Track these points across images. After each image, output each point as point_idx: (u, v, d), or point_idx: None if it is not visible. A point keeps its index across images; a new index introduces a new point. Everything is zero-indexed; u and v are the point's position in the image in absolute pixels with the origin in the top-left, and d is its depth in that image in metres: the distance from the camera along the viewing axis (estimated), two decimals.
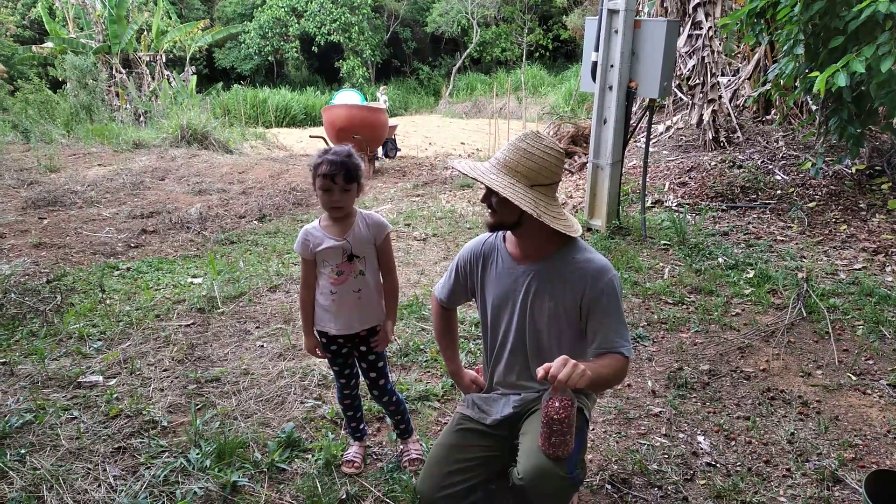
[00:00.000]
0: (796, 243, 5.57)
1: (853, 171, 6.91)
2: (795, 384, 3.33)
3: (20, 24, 24.23)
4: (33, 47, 19.99)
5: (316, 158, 2.29)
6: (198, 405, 3.09)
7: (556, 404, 1.89)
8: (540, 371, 1.85)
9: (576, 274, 2.13)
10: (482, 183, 2.07)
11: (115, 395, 3.17)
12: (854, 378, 3.36)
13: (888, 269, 4.89)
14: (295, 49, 28.26)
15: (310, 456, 2.71)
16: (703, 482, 2.56)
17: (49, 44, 18.12)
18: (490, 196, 2.10)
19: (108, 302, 4.45)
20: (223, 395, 3.23)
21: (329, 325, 2.44)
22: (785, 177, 7.21)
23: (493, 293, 2.31)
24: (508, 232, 2.31)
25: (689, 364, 3.55)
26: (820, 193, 6.67)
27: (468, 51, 28.61)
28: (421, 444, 2.74)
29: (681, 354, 3.67)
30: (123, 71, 17.74)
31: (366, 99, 13.62)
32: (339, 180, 2.24)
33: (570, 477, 2.08)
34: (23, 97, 14.86)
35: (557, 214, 2.07)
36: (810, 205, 6.41)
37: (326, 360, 2.63)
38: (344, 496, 2.42)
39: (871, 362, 3.53)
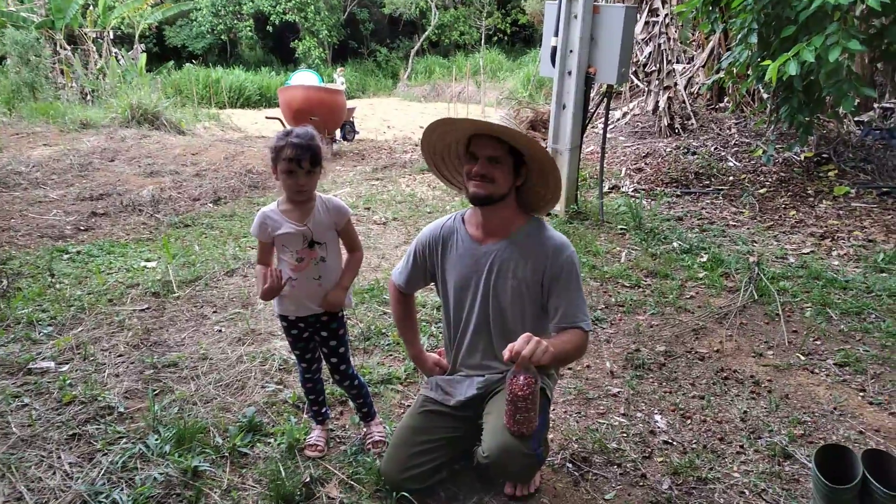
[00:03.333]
0: (748, 228, 5.73)
1: (802, 158, 7.15)
2: (747, 364, 3.44)
3: None
4: None
5: (277, 141, 2.22)
6: (155, 391, 3.03)
7: (521, 381, 1.92)
8: (506, 353, 1.88)
9: (537, 250, 2.18)
10: (514, 140, 2.08)
11: (68, 382, 3.08)
12: (803, 358, 3.50)
13: (834, 253, 5.08)
14: (249, 28, 27.59)
15: (272, 440, 2.68)
16: (661, 459, 2.63)
17: None
18: (494, 164, 2.09)
19: (57, 286, 4.30)
20: (181, 381, 3.16)
21: (288, 310, 2.41)
22: (737, 163, 7.41)
23: (454, 276, 2.32)
24: (468, 213, 2.32)
25: (645, 345, 3.63)
26: (770, 180, 6.88)
27: (426, 34, 28.39)
28: (384, 427, 2.74)
29: (638, 336, 3.75)
30: (68, 47, 17.01)
31: (323, 80, 13.40)
32: (304, 164, 2.19)
33: (535, 454, 2.12)
34: None
35: None
36: (761, 191, 6.60)
37: (287, 344, 2.60)
38: (307, 479, 2.40)
39: (818, 343, 3.67)
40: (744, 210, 6.20)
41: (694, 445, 2.73)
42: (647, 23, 8.95)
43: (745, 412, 2.98)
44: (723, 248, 5.17)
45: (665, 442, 2.76)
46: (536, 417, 2.02)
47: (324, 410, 2.71)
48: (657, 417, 2.94)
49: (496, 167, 2.10)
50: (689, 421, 2.92)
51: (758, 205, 6.24)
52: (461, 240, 2.31)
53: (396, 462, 2.29)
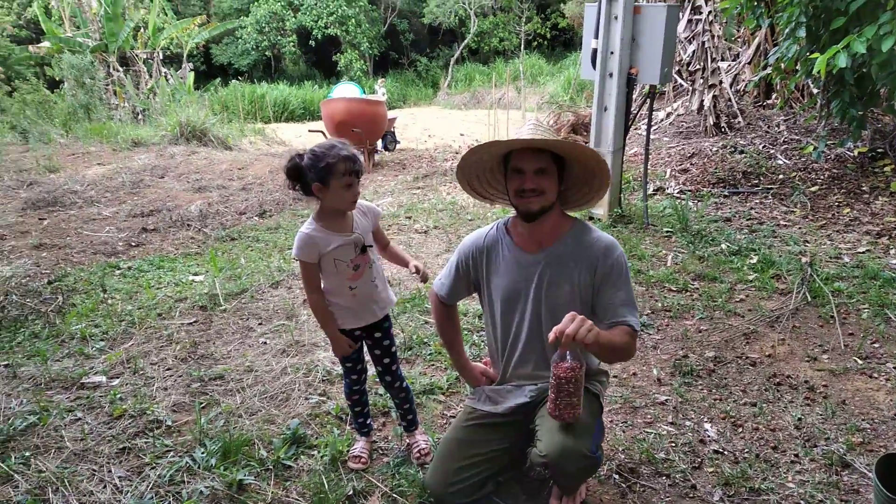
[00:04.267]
0: (799, 228, 5.53)
1: (855, 153, 6.87)
2: (801, 369, 3.31)
3: (16, 24, 24.15)
4: (30, 47, 19.92)
5: (324, 159, 2.17)
6: (202, 404, 3.08)
7: (565, 364, 1.90)
8: (551, 335, 1.85)
9: (587, 252, 2.14)
10: (557, 148, 2.07)
11: (118, 396, 3.16)
12: (860, 362, 3.34)
13: (892, 251, 4.86)
14: (292, 43, 28.14)
15: (315, 452, 2.70)
16: (711, 470, 2.55)
17: (45, 43, 18.04)
18: (542, 175, 2.06)
19: (109, 302, 4.44)
20: (227, 393, 3.21)
21: (352, 322, 2.42)
22: (787, 161, 7.17)
23: (501, 287, 2.27)
24: (511, 222, 2.28)
25: (694, 351, 3.53)
26: (822, 177, 6.64)
27: (466, 41, 28.46)
28: (427, 437, 2.73)
29: (686, 342, 3.65)
30: (121, 69, 17.65)
31: (364, 91, 13.55)
32: (361, 173, 2.25)
33: (594, 456, 2.09)
34: (20, 98, 14.82)
35: None
36: (813, 189, 6.38)
37: (332, 356, 2.60)
38: (351, 492, 2.41)
39: (876, 345, 3.51)
40: (795, 209, 5.99)
41: (746, 455, 2.64)
42: (689, 21, 8.76)
43: (799, 419, 2.86)
44: (773, 248, 5.00)
45: (715, 451, 2.67)
46: (580, 404, 1.98)
47: (368, 422, 2.72)
48: (707, 426, 2.85)
49: (544, 178, 2.07)
50: (740, 429, 2.82)
51: (809, 203, 6.02)
52: (507, 249, 2.27)
53: (443, 475, 2.27)
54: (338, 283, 2.35)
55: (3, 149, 10.80)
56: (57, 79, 17.18)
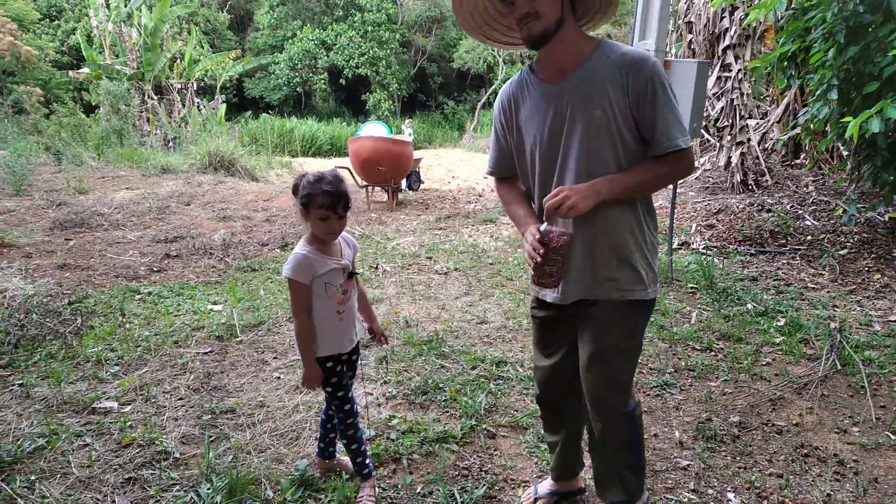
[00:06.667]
0: (828, 291, 5.41)
1: (886, 218, 6.76)
2: (830, 441, 3.18)
3: (59, 50, 24.99)
4: (70, 72, 20.57)
5: (310, 188, 2.27)
6: (211, 437, 3.03)
7: (553, 234, 1.95)
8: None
9: (615, 68, 1.93)
10: None
11: (128, 423, 3.12)
12: (893, 437, 3.21)
13: None
14: (323, 81, 28.76)
15: (323, 496, 2.62)
16: None
17: (85, 69, 18.63)
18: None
19: (127, 326, 4.44)
20: (237, 428, 3.16)
21: (338, 348, 2.46)
22: (815, 222, 7.08)
23: (531, 126, 2.09)
24: (535, 60, 2.13)
25: (718, 415, 3.42)
26: (852, 240, 6.52)
27: (493, 87, 28.89)
28: (374, 495, 2.60)
29: (709, 404, 3.54)
30: (155, 97, 18.13)
31: (391, 131, 13.72)
32: (339, 210, 2.28)
33: (627, 413, 2.18)
34: (57, 120, 15.21)
35: None
36: (842, 252, 6.26)
37: (330, 387, 2.51)
38: None
39: None
40: (823, 272, 5.88)
41: None
42: (719, 77, 8.79)
43: (828, 495, 2.73)
44: (801, 311, 4.89)
45: None
46: (560, 275, 2.01)
47: (367, 463, 2.66)
48: (730, 495, 2.73)
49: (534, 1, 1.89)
50: (765, 501, 2.70)
51: (838, 267, 5.90)
52: (533, 86, 2.08)
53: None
54: (326, 307, 2.39)
55: (36, 169, 11.05)
56: (93, 104, 17.66)
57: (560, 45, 1.97)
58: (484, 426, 3.20)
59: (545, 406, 2.48)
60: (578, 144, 1.97)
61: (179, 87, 19.25)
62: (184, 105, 19.00)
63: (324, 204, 2.25)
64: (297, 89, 29.47)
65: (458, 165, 17.78)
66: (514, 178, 2.29)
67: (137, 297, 5.13)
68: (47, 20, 26.61)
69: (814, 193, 7.82)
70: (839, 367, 3.93)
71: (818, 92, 5.95)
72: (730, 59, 8.58)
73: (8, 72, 20.74)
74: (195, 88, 19.81)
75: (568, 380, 2.32)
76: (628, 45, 2.05)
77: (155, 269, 6.02)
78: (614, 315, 2.07)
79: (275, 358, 4.04)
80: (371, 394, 3.54)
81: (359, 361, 2.67)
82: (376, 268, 6.20)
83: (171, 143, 16.59)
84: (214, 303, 5.04)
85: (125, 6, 18.87)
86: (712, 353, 4.20)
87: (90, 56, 18.32)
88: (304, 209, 2.30)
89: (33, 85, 20.29)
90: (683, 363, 4.04)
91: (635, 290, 2.06)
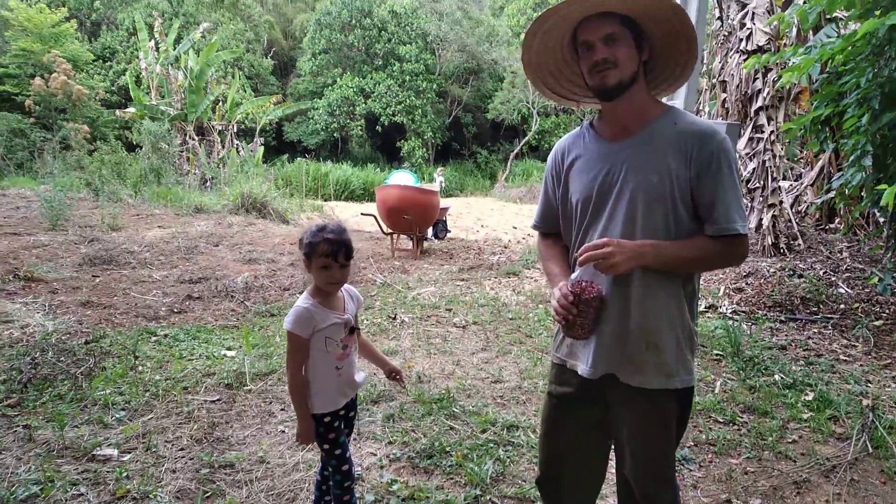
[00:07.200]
0: (861, 364, 5.18)
1: None
2: None
3: (109, 90, 26.02)
4: (117, 111, 21.36)
5: (312, 237, 2.27)
6: (207, 493, 2.95)
7: (582, 284, 1.84)
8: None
9: (681, 136, 1.83)
10: (622, 7, 1.77)
11: (125, 474, 3.06)
12: None
13: None
14: (360, 127, 29.36)
15: None
16: None
17: (131, 109, 19.32)
18: (612, 43, 1.80)
19: (139, 369, 4.42)
20: (234, 484, 3.08)
21: (333, 405, 2.39)
22: (849, 290, 6.84)
23: (580, 183, 1.98)
24: (597, 116, 2.05)
25: (738, 496, 3.23)
26: (888, 311, 6.27)
27: (527, 138, 29.17)
28: None
29: (730, 484, 3.35)
30: (196, 138, 18.66)
31: (420, 180, 13.84)
32: (340, 259, 2.26)
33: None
34: (99, 157, 15.71)
35: None
36: (877, 323, 6.02)
37: (327, 443, 2.43)
38: None
39: None
40: (857, 344, 5.64)
41: None
42: (751, 139, 8.69)
43: None
44: (831, 385, 4.66)
45: None
46: (591, 327, 1.88)
47: None
48: None
49: (615, 45, 1.81)
50: None
51: (873, 339, 5.66)
52: (591, 141, 2.00)
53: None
54: (325, 362, 2.34)
55: (75, 203, 11.33)
56: (135, 143, 18.23)
57: (629, 101, 1.89)
58: (489, 497, 3.07)
59: (546, 491, 2.24)
60: (627, 206, 1.87)
61: (220, 128, 19.82)
62: (223, 146, 19.52)
63: (325, 252, 2.24)
64: (335, 134, 30.11)
65: (489, 214, 17.81)
66: (558, 234, 2.18)
67: (153, 339, 5.13)
68: (100, 61, 27.81)
69: (848, 260, 7.58)
70: (871, 449, 3.71)
71: (852, 157, 5.81)
72: (762, 120, 8.48)
73: (59, 109, 21.60)
74: (235, 130, 20.36)
75: (579, 468, 2.14)
76: (698, 117, 1.96)
77: (175, 310, 6.05)
78: (650, 407, 1.92)
79: (282, 410, 3.97)
80: (375, 454, 3.44)
81: (356, 419, 2.60)
82: (394, 318, 6.14)
83: (208, 183, 16.98)
84: (229, 348, 5.02)
85: (174, 49, 19.67)
86: (735, 427, 4.01)
87: (137, 96, 19.02)
88: (307, 259, 2.29)
89: (81, 122, 21.07)
90: (704, 436, 3.85)
91: (659, 379, 1.89)
